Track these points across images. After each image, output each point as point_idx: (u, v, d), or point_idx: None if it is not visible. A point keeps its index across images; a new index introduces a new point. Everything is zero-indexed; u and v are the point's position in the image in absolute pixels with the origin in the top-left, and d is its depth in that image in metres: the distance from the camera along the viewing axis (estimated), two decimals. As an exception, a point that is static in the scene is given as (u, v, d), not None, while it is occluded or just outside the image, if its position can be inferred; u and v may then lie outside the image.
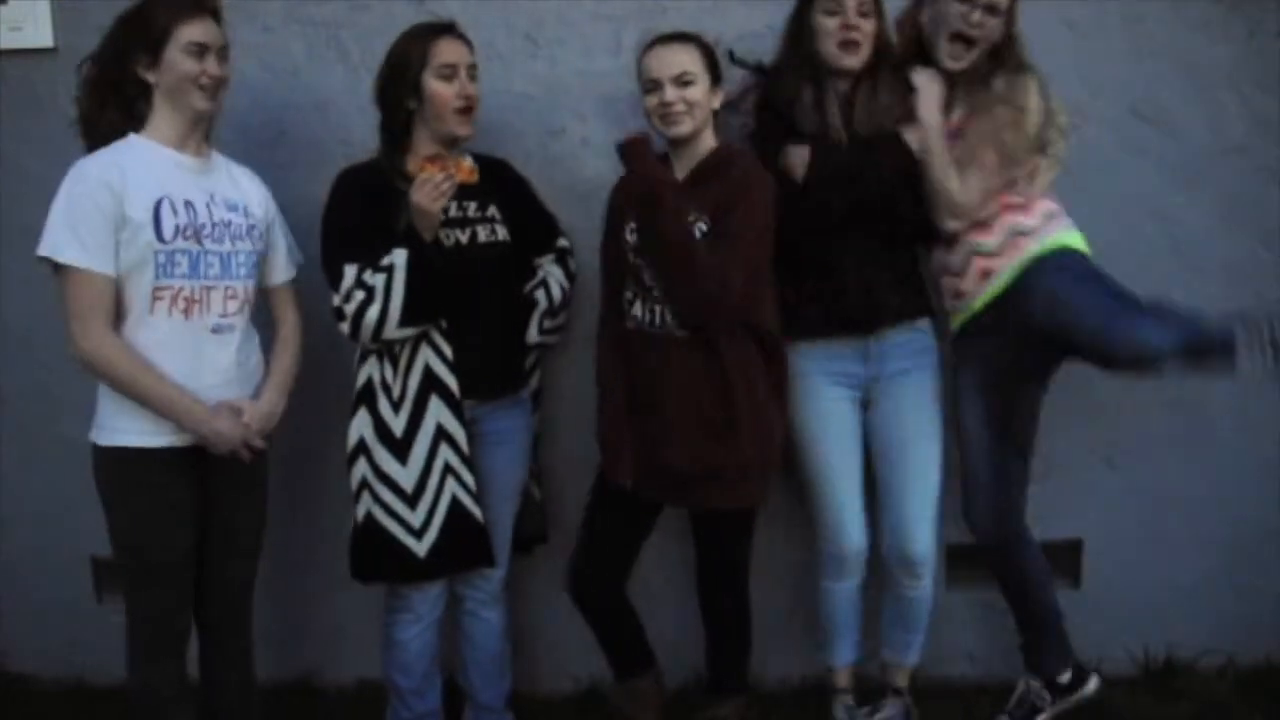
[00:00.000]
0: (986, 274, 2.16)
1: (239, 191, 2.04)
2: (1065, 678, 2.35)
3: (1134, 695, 2.53)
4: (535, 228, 2.30)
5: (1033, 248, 2.13)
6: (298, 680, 2.67)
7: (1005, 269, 2.14)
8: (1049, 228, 2.15)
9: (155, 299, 1.88)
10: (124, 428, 1.89)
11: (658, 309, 2.05)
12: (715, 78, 2.09)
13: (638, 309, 2.09)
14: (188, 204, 1.91)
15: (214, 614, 2.06)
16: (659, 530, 2.29)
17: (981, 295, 2.18)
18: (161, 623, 1.96)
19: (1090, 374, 2.53)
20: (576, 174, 2.43)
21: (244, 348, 2.02)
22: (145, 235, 1.85)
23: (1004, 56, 2.14)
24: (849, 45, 2.10)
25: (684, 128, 2.05)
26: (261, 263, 2.07)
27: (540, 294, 2.26)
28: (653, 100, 2.06)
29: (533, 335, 2.26)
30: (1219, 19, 2.41)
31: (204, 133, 2.01)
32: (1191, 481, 2.59)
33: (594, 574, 2.29)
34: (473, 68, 2.10)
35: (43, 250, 1.84)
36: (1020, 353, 2.20)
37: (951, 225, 2.14)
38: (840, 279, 2.16)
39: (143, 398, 1.86)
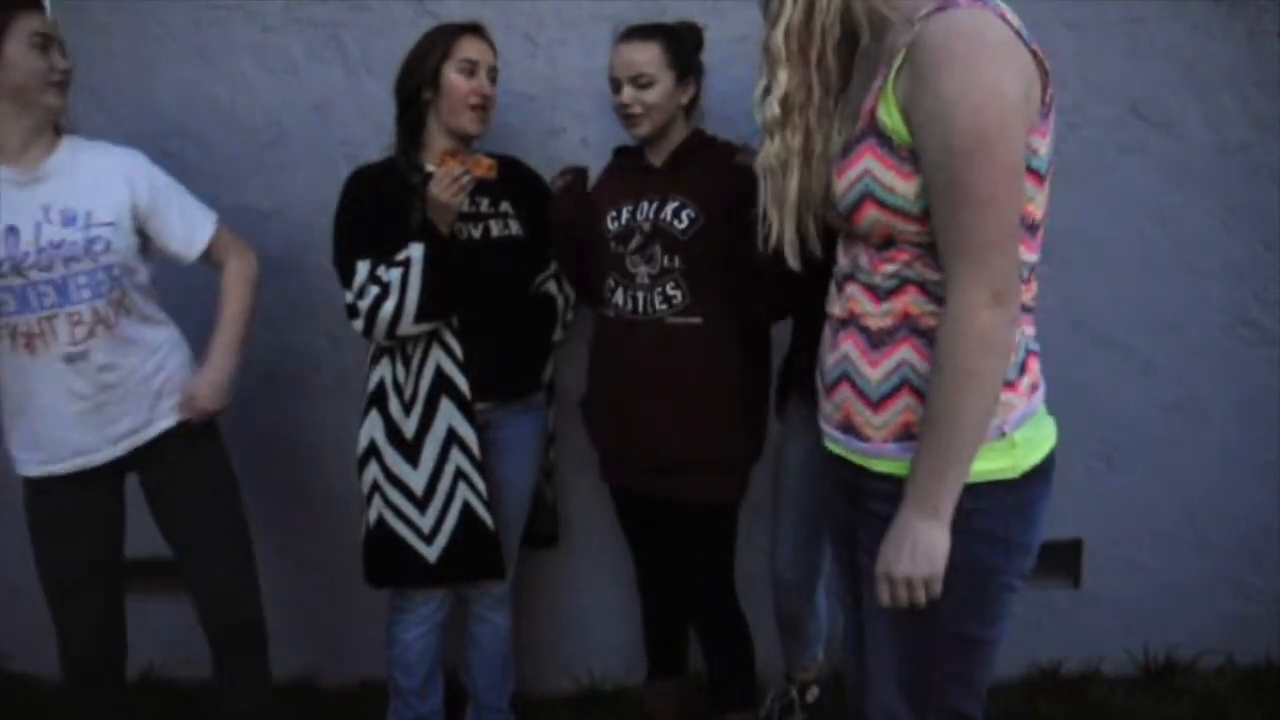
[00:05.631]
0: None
1: (78, 196, 1.85)
2: None
3: (1134, 695, 2.53)
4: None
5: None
6: (299, 680, 2.67)
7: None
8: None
9: None
10: (21, 458, 1.91)
11: (641, 295, 2.03)
12: (683, 72, 2.04)
13: (619, 297, 2.06)
14: (10, 230, 1.77)
15: (212, 625, 2.05)
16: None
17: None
18: (76, 644, 1.99)
19: (1090, 374, 2.54)
20: (576, 174, 2.43)
21: (114, 367, 1.90)
22: None
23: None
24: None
25: (642, 130, 2.04)
26: (141, 255, 1.96)
27: (552, 285, 2.25)
28: (615, 99, 2.05)
29: (559, 334, 2.27)
30: (1219, 19, 2.41)
31: (52, 129, 1.85)
32: (1191, 481, 2.59)
33: (637, 568, 2.32)
34: (493, 70, 2.10)
35: None
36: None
37: None
38: None
39: None
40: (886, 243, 1.31)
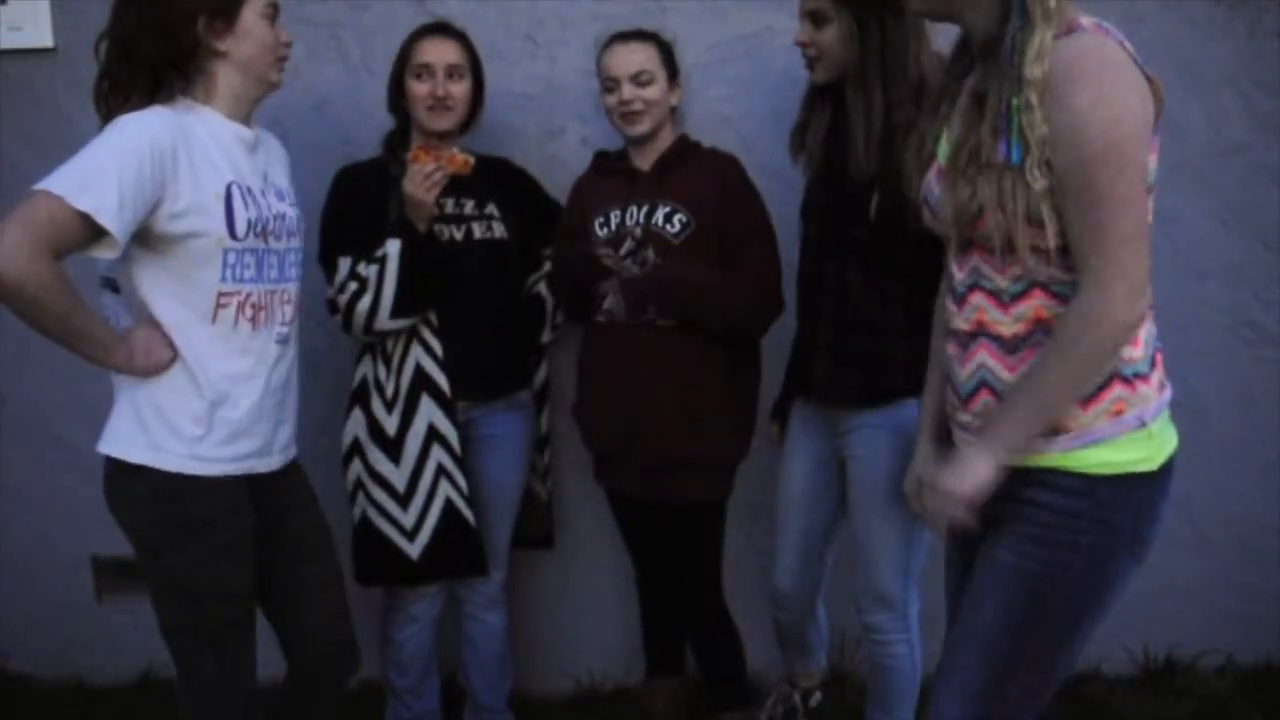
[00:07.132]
0: None
1: (278, 173, 1.81)
2: None
3: (1134, 695, 2.53)
4: (543, 219, 2.29)
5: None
6: (298, 680, 2.66)
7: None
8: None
9: (219, 306, 1.61)
10: (206, 455, 1.61)
11: (634, 299, 2.05)
12: (673, 74, 2.10)
13: (610, 303, 2.07)
14: (249, 191, 1.66)
15: (311, 648, 1.87)
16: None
17: None
18: (248, 679, 1.70)
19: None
20: (576, 174, 2.42)
21: (294, 359, 1.79)
22: (209, 225, 1.57)
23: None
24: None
25: (642, 126, 2.06)
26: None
27: (543, 287, 2.26)
28: (611, 99, 2.07)
29: (546, 336, 2.27)
30: (1219, 19, 2.41)
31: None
32: (1191, 481, 2.59)
33: (636, 568, 2.34)
34: (455, 67, 2.10)
35: (55, 187, 1.43)
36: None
37: None
38: None
39: (73, 335, 1.50)
40: (1008, 247, 1.36)
